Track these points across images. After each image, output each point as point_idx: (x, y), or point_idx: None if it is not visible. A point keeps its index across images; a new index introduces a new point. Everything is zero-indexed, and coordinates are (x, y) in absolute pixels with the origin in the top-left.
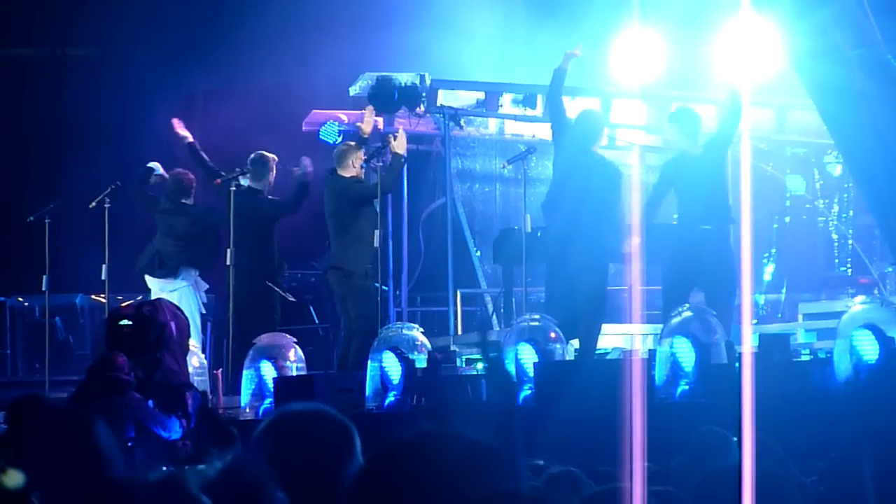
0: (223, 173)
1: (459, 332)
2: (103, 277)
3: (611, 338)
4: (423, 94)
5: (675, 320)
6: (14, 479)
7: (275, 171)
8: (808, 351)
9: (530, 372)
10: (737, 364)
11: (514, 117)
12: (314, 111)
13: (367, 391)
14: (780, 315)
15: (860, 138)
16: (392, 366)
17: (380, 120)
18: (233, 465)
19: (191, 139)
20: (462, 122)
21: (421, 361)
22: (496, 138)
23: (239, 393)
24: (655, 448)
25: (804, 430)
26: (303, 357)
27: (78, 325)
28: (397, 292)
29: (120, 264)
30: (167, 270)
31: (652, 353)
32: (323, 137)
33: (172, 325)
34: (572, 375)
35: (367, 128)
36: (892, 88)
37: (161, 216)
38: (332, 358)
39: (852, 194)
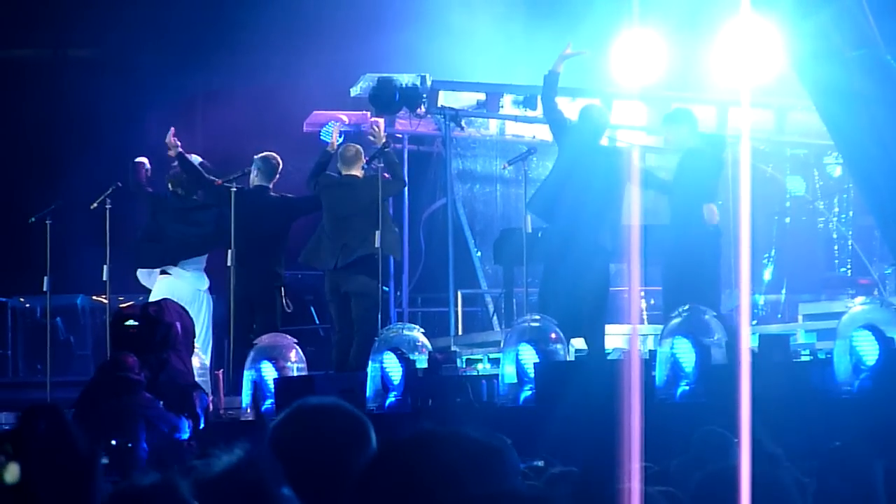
0: (213, 178)
1: (460, 332)
2: (104, 278)
3: (611, 338)
4: (424, 95)
5: (676, 321)
6: (12, 473)
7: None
8: (808, 351)
9: (531, 372)
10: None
11: (515, 118)
12: (315, 112)
13: (368, 392)
14: (779, 315)
15: (860, 139)
16: (393, 366)
17: (381, 121)
18: (237, 463)
19: (179, 150)
20: (463, 123)
21: (422, 362)
22: (497, 139)
23: (240, 393)
24: (656, 448)
25: (804, 430)
26: (304, 357)
27: (79, 325)
28: (398, 293)
29: (121, 265)
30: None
31: (652, 353)
32: (324, 138)
33: (178, 325)
34: (573, 376)
35: (380, 140)
36: (892, 89)
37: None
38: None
39: (852, 195)
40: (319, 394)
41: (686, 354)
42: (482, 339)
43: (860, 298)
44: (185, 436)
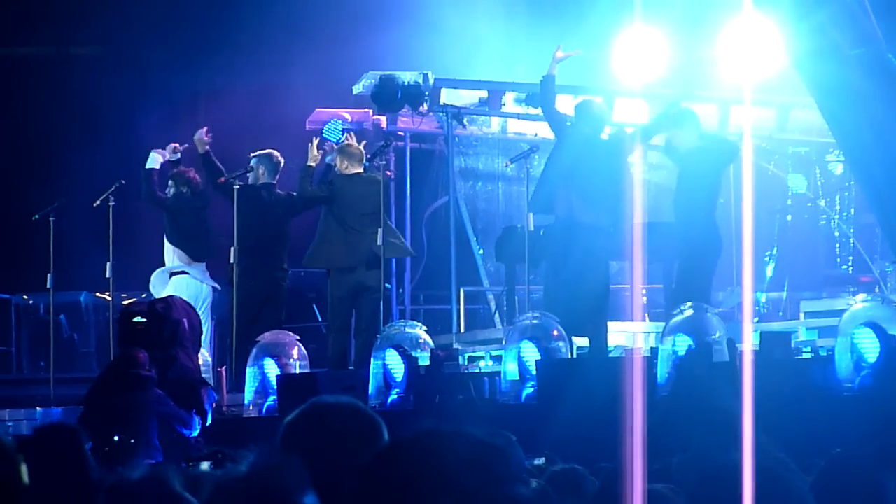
0: (226, 175)
1: (462, 330)
2: (108, 275)
3: (613, 336)
4: (426, 93)
5: (677, 318)
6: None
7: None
8: (809, 349)
9: (533, 370)
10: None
11: (517, 116)
12: (317, 110)
13: (371, 389)
14: (781, 313)
15: (861, 137)
16: (395, 364)
17: (383, 119)
18: (261, 468)
19: (208, 148)
20: (465, 121)
21: (424, 359)
22: (499, 137)
23: (243, 390)
24: (657, 445)
25: (805, 427)
26: (306, 354)
27: (82, 322)
28: (400, 290)
29: (124, 262)
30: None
31: (654, 350)
32: (326, 136)
33: (185, 321)
34: (575, 373)
35: (312, 161)
36: (893, 87)
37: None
38: None
39: (853, 193)
40: (322, 391)
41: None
42: (484, 337)
43: (861, 296)
44: (196, 432)
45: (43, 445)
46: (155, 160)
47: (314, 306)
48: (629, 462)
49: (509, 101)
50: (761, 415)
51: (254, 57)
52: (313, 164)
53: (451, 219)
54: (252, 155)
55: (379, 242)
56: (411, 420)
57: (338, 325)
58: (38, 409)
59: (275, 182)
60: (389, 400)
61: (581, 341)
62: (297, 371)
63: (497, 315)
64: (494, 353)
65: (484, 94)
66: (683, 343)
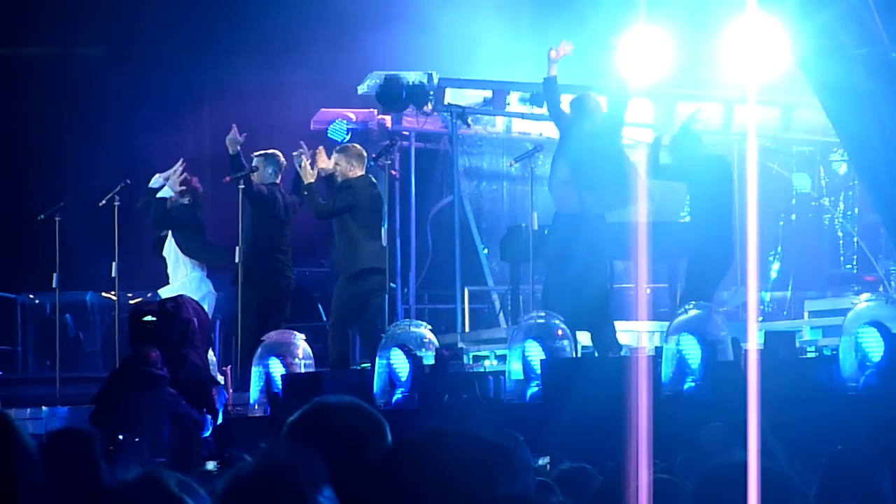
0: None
1: (467, 329)
2: (113, 275)
3: (618, 335)
4: (431, 93)
5: (682, 317)
6: None
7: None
8: (813, 348)
9: (537, 369)
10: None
11: (522, 115)
12: (322, 110)
13: (376, 388)
14: (785, 312)
15: (865, 137)
16: (400, 363)
17: (388, 118)
18: (276, 465)
19: (238, 149)
20: (469, 121)
21: (429, 358)
22: (503, 136)
23: (248, 390)
24: (662, 444)
25: (809, 426)
26: (311, 354)
27: (88, 322)
28: (405, 290)
29: (130, 262)
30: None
31: (658, 350)
32: (331, 136)
33: (195, 321)
34: (579, 372)
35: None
36: None
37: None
38: None
39: (858, 192)
40: (327, 390)
41: (692, 351)
42: (489, 336)
43: (866, 295)
44: (208, 431)
45: (56, 450)
46: (159, 181)
47: (319, 305)
48: (634, 461)
49: (514, 101)
50: (766, 414)
51: (258, 57)
52: (313, 181)
53: (455, 218)
54: (255, 154)
55: (384, 243)
56: (416, 419)
57: (344, 325)
58: (43, 408)
59: (278, 182)
60: (394, 399)
61: (584, 338)
62: (303, 370)
63: (501, 314)
64: (499, 352)
65: (488, 93)
66: (688, 342)
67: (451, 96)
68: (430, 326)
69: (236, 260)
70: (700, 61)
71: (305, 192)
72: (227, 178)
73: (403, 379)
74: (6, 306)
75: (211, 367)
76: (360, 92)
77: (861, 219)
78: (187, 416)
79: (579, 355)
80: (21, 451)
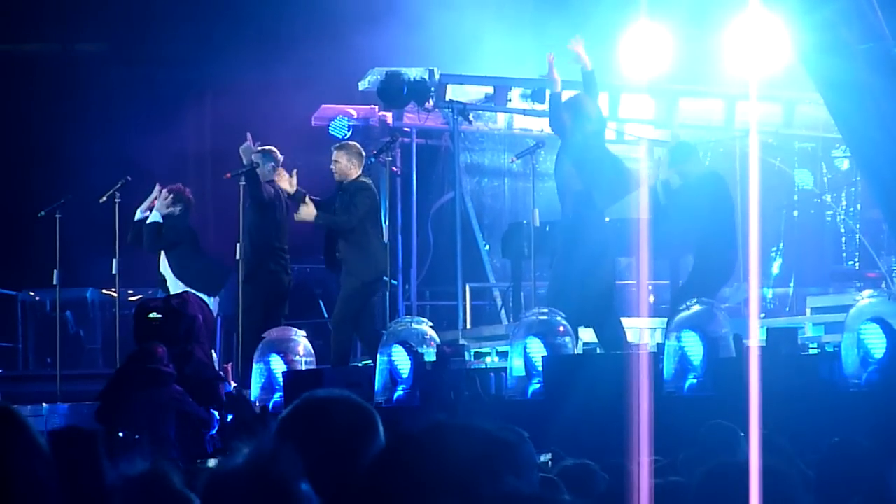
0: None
1: (468, 326)
2: (114, 272)
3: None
4: (432, 89)
5: (684, 314)
6: None
7: None
8: (815, 344)
9: (539, 366)
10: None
11: (523, 112)
12: (323, 106)
13: (377, 385)
14: (787, 309)
15: (868, 133)
16: (401, 360)
17: (389, 115)
18: (257, 458)
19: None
20: (471, 117)
21: (430, 355)
22: (505, 133)
23: (249, 387)
24: (664, 441)
25: (811, 423)
26: (312, 351)
27: (89, 319)
28: (406, 286)
29: (131, 259)
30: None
31: (660, 346)
32: (333, 132)
33: (200, 317)
34: (581, 369)
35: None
36: None
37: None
38: None
39: (860, 188)
40: (328, 387)
41: (694, 348)
42: (490, 333)
43: (868, 291)
44: (214, 429)
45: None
46: (144, 212)
47: (320, 302)
48: (636, 457)
49: (515, 97)
50: (768, 410)
51: (259, 53)
52: (294, 189)
53: (456, 215)
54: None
55: (386, 240)
56: (417, 416)
57: (353, 324)
58: (44, 405)
59: (275, 179)
60: (395, 396)
61: (586, 334)
62: (304, 367)
63: (503, 311)
64: (500, 349)
65: (490, 89)
66: (689, 339)
67: (453, 92)
68: (431, 323)
69: (237, 257)
70: (701, 57)
71: (304, 203)
72: (229, 175)
73: (405, 376)
74: (6, 303)
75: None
76: (361, 88)
77: (863, 215)
78: (194, 414)
79: (581, 352)
80: (31, 447)
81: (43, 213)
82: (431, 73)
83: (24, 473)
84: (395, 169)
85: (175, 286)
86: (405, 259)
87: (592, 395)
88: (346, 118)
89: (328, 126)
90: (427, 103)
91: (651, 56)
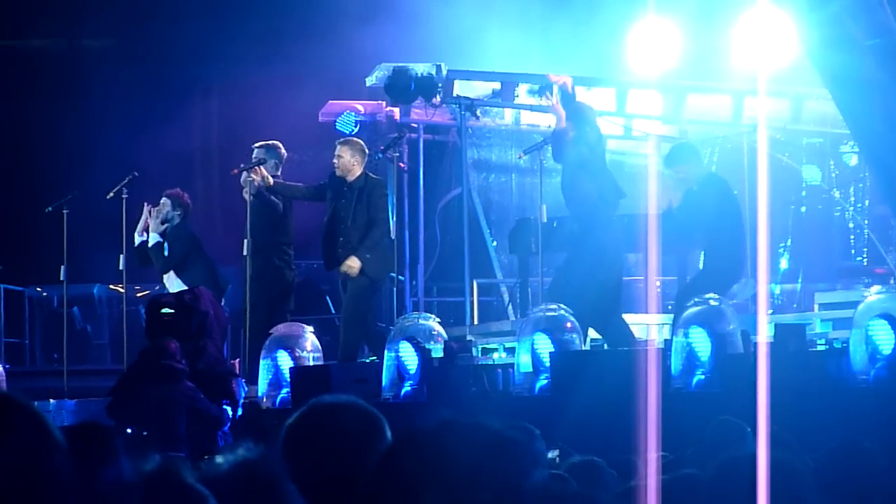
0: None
1: (476, 322)
2: (121, 267)
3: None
4: (440, 85)
5: (691, 310)
6: None
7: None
8: (823, 341)
9: (547, 362)
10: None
11: (530, 107)
12: (330, 102)
13: (384, 381)
14: (795, 305)
15: (876, 128)
16: (409, 356)
17: (396, 110)
18: (246, 458)
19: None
20: (478, 113)
21: (437, 351)
22: (512, 128)
23: (256, 383)
24: (671, 437)
25: (819, 420)
26: (319, 347)
27: (96, 314)
28: (413, 282)
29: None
30: None
31: (668, 342)
32: (339, 128)
33: (212, 312)
34: (589, 365)
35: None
36: None
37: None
38: None
39: (868, 184)
40: (335, 383)
41: (702, 344)
42: (497, 329)
43: (876, 287)
44: (227, 425)
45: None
46: (142, 235)
47: (327, 298)
48: (643, 454)
49: (522, 93)
50: (776, 407)
51: (266, 49)
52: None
53: (464, 210)
54: (256, 146)
55: (393, 236)
56: (425, 412)
57: (369, 318)
58: (51, 401)
59: (278, 174)
60: (403, 392)
61: (594, 331)
62: (311, 363)
63: (510, 307)
64: (508, 345)
65: (497, 85)
66: (697, 335)
67: (460, 88)
68: (438, 319)
69: (244, 253)
70: (709, 53)
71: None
72: (236, 171)
73: (412, 372)
74: (14, 299)
75: None
76: (368, 84)
77: (871, 211)
78: (206, 411)
79: (588, 348)
80: (48, 441)
81: (50, 208)
82: (439, 68)
83: (42, 468)
84: (402, 165)
85: (178, 287)
86: (412, 255)
87: (600, 392)
88: (353, 114)
89: (335, 122)
90: (434, 99)
91: (659, 52)
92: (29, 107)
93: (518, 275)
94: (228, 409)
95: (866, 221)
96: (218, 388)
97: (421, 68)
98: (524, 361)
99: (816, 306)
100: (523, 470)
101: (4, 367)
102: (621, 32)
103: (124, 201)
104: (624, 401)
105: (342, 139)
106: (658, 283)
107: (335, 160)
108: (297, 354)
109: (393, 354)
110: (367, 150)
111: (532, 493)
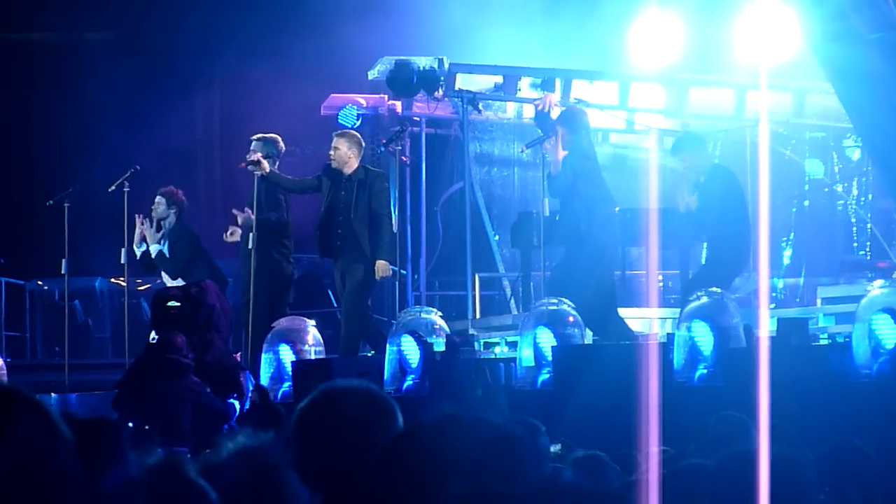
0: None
1: (478, 315)
2: (122, 261)
3: (629, 322)
4: (442, 78)
5: (694, 304)
6: None
7: None
8: (826, 335)
9: (548, 356)
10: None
11: (533, 101)
12: (332, 95)
13: (386, 375)
14: (798, 299)
15: (879, 122)
16: (411, 349)
17: (398, 104)
18: (246, 446)
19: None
20: (480, 106)
21: (439, 345)
22: (514, 122)
23: (258, 376)
24: (674, 431)
25: (822, 414)
26: (321, 340)
27: (97, 308)
28: (416, 276)
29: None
30: None
31: (670, 336)
32: (342, 121)
33: (218, 306)
34: (591, 359)
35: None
36: None
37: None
38: None
39: (871, 178)
40: (337, 376)
41: (704, 338)
42: (500, 323)
43: (879, 282)
44: (233, 420)
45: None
46: (141, 247)
47: (329, 292)
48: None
49: (525, 87)
50: (778, 401)
51: (268, 43)
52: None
53: (466, 204)
54: (254, 138)
55: (395, 229)
56: (427, 406)
57: (363, 311)
58: (52, 395)
59: (276, 167)
60: (405, 386)
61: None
62: (313, 357)
63: (512, 301)
64: (510, 339)
65: (499, 79)
66: (700, 329)
67: (462, 82)
68: (440, 313)
69: (249, 246)
70: (712, 47)
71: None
72: (243, 164)
73: (414, 366)
74: (15, 293)
75: None
76: (370, 77)
77: (874, 205)
78: (211, 405)
79: (590, 342)
80: (54, 435)
81: (51, 202)
82: (441, 62)
83: (48, 462)
84: (404, 158)
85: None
86: (414, 249)
87: (602, 385)
88: (355, 107)
89: (337, 115)
90: (436, 92)
91: (661, 45)
92: (30, 100)
93: (520, 269)
94: (236, 402)
95: (869, 216)
96: (226, 382)
97: (423, 62)
98: (526, 356)
99: (819, 301)
100: (524, 464)
101: (5, 361)
102: (624, 26)
103: (126, 194)
104: (626, 395)
105: (339, 131)
106: (660, 277)
107: (331, 152)
108: (298, 348)
109: (395, 348)
110: (363, 143)
111: (537, 487)
